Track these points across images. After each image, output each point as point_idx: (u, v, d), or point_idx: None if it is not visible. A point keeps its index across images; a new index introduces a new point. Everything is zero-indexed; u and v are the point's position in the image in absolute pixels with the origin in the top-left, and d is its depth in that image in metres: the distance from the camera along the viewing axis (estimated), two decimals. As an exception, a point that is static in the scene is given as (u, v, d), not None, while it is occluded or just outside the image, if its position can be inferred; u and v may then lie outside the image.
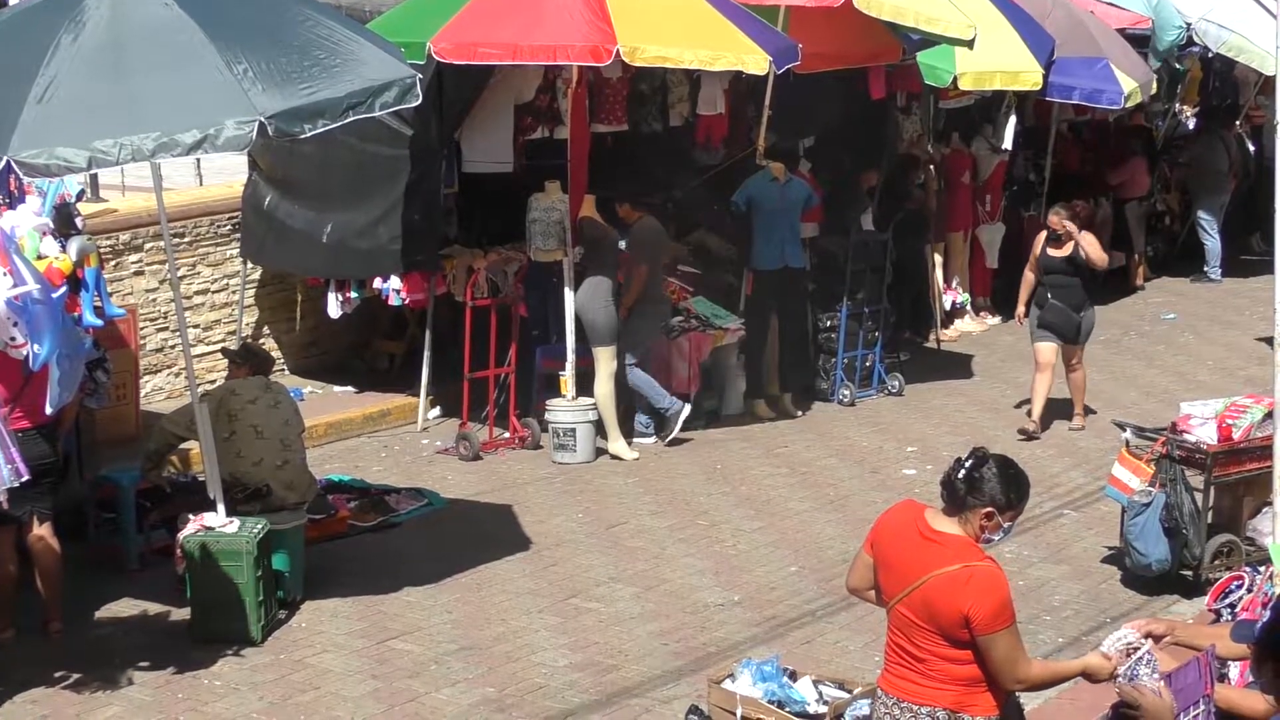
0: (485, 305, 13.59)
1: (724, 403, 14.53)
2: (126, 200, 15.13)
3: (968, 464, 5.90)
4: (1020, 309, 14.19)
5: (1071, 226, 13.75)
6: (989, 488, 5.86)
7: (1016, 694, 6.07)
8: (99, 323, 10.22)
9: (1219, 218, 20.31)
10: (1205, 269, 20.54)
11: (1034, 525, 11.66)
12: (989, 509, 5.87)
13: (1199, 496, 10.40)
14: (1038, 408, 13.91)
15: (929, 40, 14.66)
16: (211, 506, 9.91)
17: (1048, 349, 13.86)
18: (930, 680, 5.88)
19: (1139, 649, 5.52)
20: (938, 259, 17.50)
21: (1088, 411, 14.29)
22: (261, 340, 14.87)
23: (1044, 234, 13.99)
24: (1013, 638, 5.78)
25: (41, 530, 9.60)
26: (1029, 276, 14.08)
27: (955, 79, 15.78)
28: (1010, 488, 5.90)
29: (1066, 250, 13.77)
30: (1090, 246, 13.78)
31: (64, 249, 10.28)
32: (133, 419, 12.91)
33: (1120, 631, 5.70)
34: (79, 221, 10.91)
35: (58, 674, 9.18)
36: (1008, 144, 17.93)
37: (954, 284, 17.90)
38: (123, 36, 8.86)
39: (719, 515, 12.00)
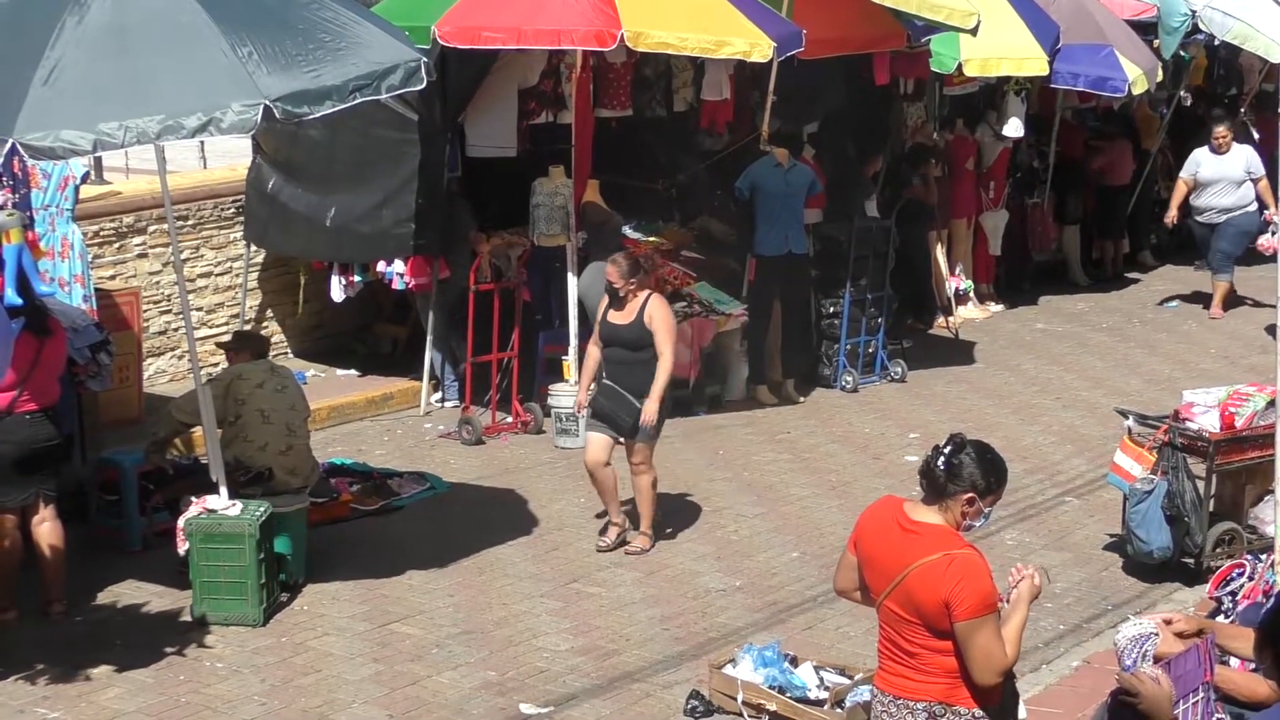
0: (488, 290, 13.59)
1: (726, 388, 14.54)
2: (130, 182, 15.14)
3: (946, 450, 5.87)
4: (581, 394, 11.12)
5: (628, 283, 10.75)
6: (968, 473, 5.84)
7: (1014, 682, 6.06)
8: (19, 302, 10.07)
9: None
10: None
11: (1036, 512, 11.69)
12: (970, 494, 5.84)
13: (1201, 484, 10.40)
14: (613, 512, 10.97)
15: (933, 27, 14.65)
16: (214, 489, 9.93)
17: (596, 443, 10.72)
18: (923, 674, 5.85)
19: (1149, 633, 5.53)
20: (941, 246, 17.50)
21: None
22: (264, 324, 14.88)
23: (606, 296, 10.95)
24: (993, 627, 5.71)
25: (45, 512, 9.62)
26: (592, 351, 11.04)
27: (960, 65, 15.79)
28: (989, 472, 5.88)
29: (629, 316, 10.73)
30: (661, 325, 10.66)
31: None
32: (135, 401, 12.91)
33: (1135, 620, 5.69)
34: None
35: (59, 655, 9.19)
36: (1019, 131, 17.89)
37: (957, 271, 17.89)
38: (127, 19, 8.85)
39: (721, 501, 12.00)
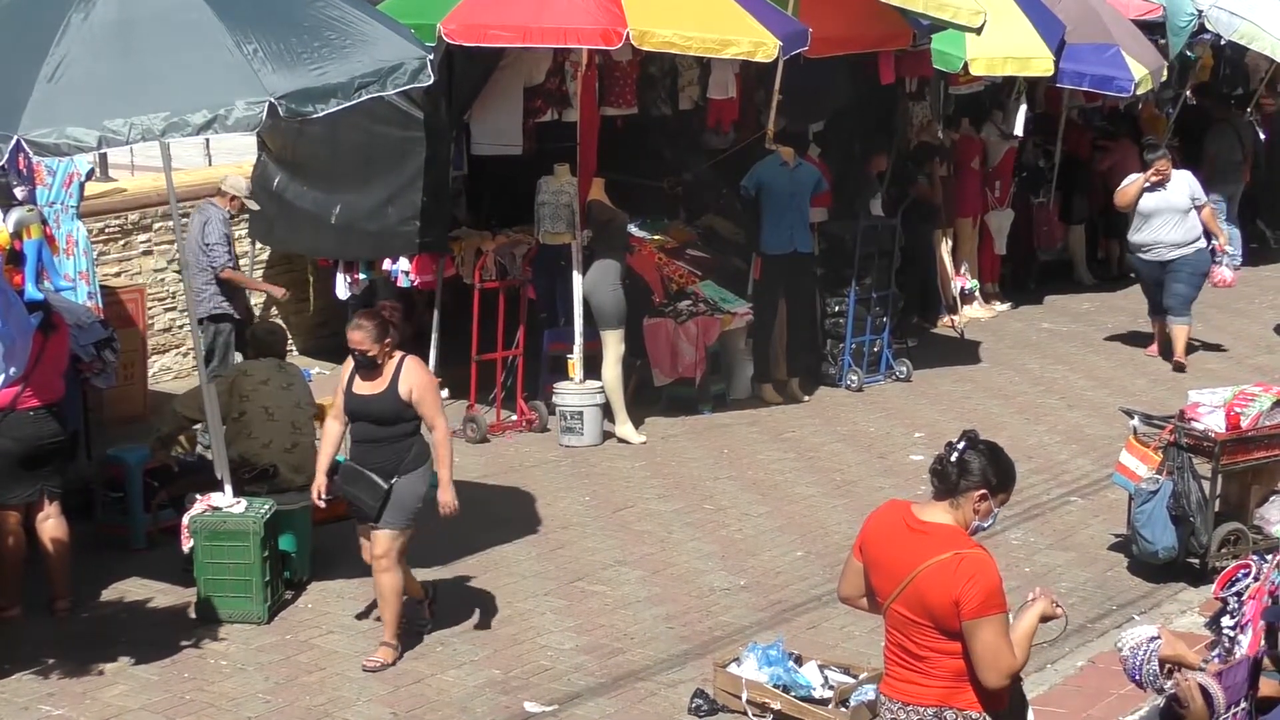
0: (493, 288, 13.59)
1: (731, 387, 14.53)
2: (135, 180, 15.16)
3: (959, 446, 5.87)
4: (319, 478, 9.24)
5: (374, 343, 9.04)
6: (980, 469, 5.84)
7: (1022, 685, 6.06)
8: (40, 296, 10.08)
9: (1232, 207, 20.08)
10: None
11: (1041, 512, 11.68)
12: (982, 491, 5.84)
13: (1206, 484, 10.40)
14: (388, 625, 9.25)
15: (938, 25, 14.65)
16: (219, 486, 9.93)
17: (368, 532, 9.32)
18: (933, 679, 5.81)
19: (1150, 638, 5.60)
20: (946, 245, 17.50)
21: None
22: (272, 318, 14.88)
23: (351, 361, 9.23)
24: (1001, 626, 5.70)
25: (50, 509, 9.63)
26: (331, 426, 9.37)
27: (966, 64, 15.79)
28: (1000, 469, 5.90)
29: (381, 385, 9.09)
30: (425, 392, 9.09)
31: (2, 221, 10.21)
32: (140, 398, 12.92)
33: (1138, 621, 5.79)
34: (19, 193, 10.83)
35: (64, 652, 9.20)
36: (1019, 130, 17.88)
37: (963, 270, 17.89)
38: (133, 15, 8.85)
39: (726, 499, 12.00)
